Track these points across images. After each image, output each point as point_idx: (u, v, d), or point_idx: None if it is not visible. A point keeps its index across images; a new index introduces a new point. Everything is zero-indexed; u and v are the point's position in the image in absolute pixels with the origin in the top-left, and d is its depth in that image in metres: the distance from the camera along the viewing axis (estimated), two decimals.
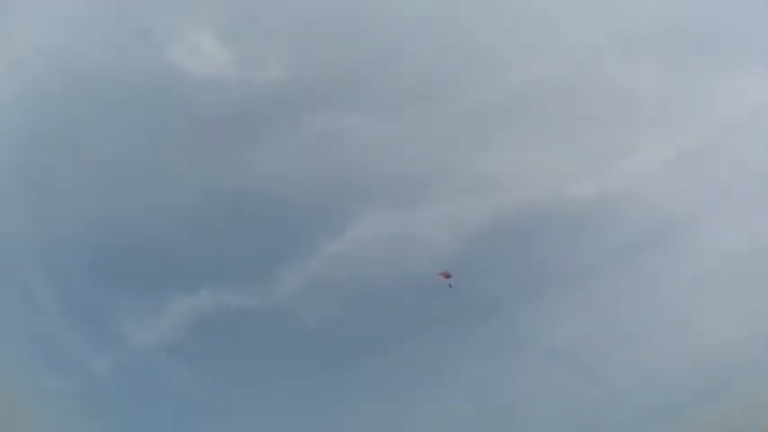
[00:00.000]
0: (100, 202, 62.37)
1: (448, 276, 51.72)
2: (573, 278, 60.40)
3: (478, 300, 60.83)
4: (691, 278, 58.87)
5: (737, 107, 61.86)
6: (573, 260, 61.87)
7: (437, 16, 66.08)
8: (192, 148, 65.18)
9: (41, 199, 60.38)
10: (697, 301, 57.63)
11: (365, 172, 63.04)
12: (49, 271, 59.48)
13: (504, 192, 63.19)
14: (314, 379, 58.50)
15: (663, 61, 62.49)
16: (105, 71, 63.44)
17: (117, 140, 63.74)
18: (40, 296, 58.65)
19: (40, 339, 57.27)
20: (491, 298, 60.91)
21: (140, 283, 62.16)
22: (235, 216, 63.74)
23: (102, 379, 57.85)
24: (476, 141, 63.30)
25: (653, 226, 61.86)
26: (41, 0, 62.50)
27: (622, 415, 54.05)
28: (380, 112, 64.91)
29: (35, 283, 58.23)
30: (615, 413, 54.10)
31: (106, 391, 57.66)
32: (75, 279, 60.73)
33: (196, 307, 60.83)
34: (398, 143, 64.01)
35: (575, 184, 62.87)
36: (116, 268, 62.48)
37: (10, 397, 52.10)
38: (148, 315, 60.55)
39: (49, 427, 53.66)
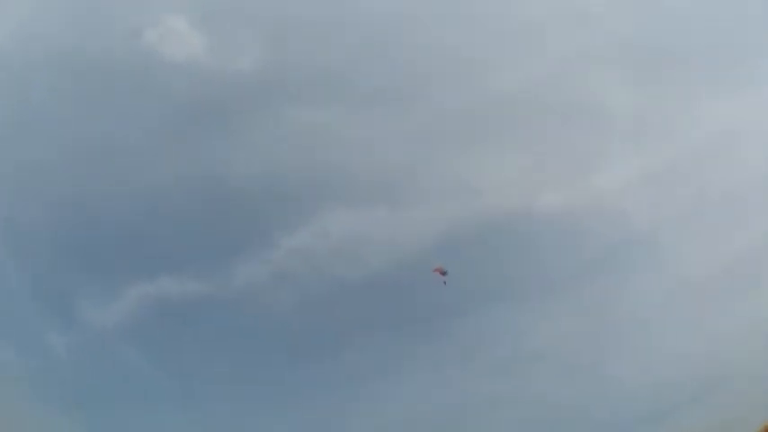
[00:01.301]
0: (64, 183, 62.01)
1: (443, 273, 51.17)
2: (538, 288, 60.90)
3: (440, 304, 60.38)
4: (654, 295, 58.99)
5: (710, 130, 61.72)
6: (539, 270, 62.10)
7: (419, 16, 65.74)
8: (161, 133, 64.31)
9: (4, 178, 60.05)
10: (659, 319, 57.91)
11: (334, 168, 62.88)
12: (11, 248, 59.67)
13: (473, 198, 63.08)
14: (264, 372, 58.71)
15: (638, 78, 62.46)
16: (76, 51, 62.66)
17: (85, 122, 63.15)
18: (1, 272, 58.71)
19: None
20: (454, 303, 60.01)
21: (101, 265, 62.09)
22: (199, 203, 63.48)
23: (58, 357, 57.95)
24: (447, 146, 63.29)
25: (620, 241, 61.80)
26: None
27: (581, 428, 54.61)
28: (354, 109, 64.57)
29: None
30: (573, 426, 54.70)
31: (61, 370, 57.65)
32: (36, 257, 60.60)
33: (155, 292, 60.77)
34: (369, 142, 63.72)
35: (544, 194, 63.00)
36: (78, 249, 62.43)
37: None
38: (108, 297, 60.50)
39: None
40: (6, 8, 60.88)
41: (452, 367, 58.61)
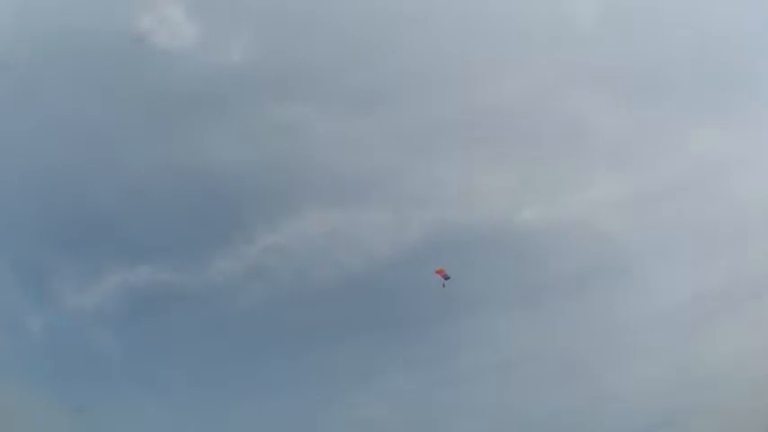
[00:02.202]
0: (49, 164, 62.14)
1: (446, 278, 51.26)
2: (513, 300, 60.94)
3: (415, 309, 61.35)
4: (630, 317, 59.22)
5: (694, 159, 62.20)
6: (516, 282, 62.24)
7: (413, 23, 65.71)
8: (148, 121, 64.77)
9: None
10: (633, 341, 57.90)
11: (317, 166, 63.21)
12: None
13: (454, 206, 63.18)
14: (232, 365, 59.06)
15: (625, 103, 63.61)
16: (68, 32, 62.71)
17: (72, 104, 63.36)
18: None
19: None
20: (429, 308, 60.65)
21: (82, 250, 62.64)
22: (180, 193, 63.82)
23: (34, 336, 58.49)
24: (432, 152, 63.39)
25: (599, 261, 62.31)
26: None
27: None
28: (336, 110, 65.03)
29: None
30: None
31: (36, 348, 58.23)
32: (18, 238, 60.81)
33: (133, 279, 61.51)
34: (355, 142, 64.04)
35: (525, 208, 63.20)
36: (60, 232, 62.62)
37: None
38: (87, 282, 61.12)
39: None
40: None
41: (424, 372, 58.73)
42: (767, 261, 57.09)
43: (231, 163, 63.37)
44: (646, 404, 53.83)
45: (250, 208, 62.82)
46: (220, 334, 60.46)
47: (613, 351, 57.88)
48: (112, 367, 58.65)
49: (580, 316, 59.64)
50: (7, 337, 58.02)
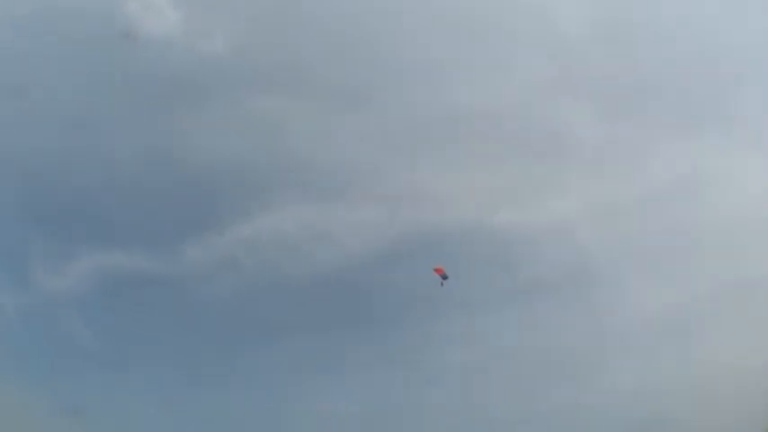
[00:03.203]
0: (26, 146, 61.90)
1: (444, 277, 51.41)
2: (486, 303, 60.66)
3: (386, 307, 61.52)
4: (602, 326, 58.78)
5: (672, 170, 62.29)
6: (489, 285, 61.91)
7: (398, 21, 65.82)
8: (127, 105, 64.65)
9: None
10: (605, 351, 57.60)
11: (293, 161, 62.92)
12: None
13: (430, 206, 63.11)
14: (201, 356, 58.73)
15: (605, 112, 63.71)
16: (52, 13, 62.60)
17: (53, 85, 63.26)
18: None
19: None
20: (400, 307, 61.26)
21: (57, 230, 62.82)
22: (156, 180, 63.71)
23: (6, 317, 58.58)
24: (408, 152, 63.21)
25: (572, 269, 61.86)
26: None
27: None
28: (320, 104, 64.81)
29: None
30: None
31: (8, 329, 58.52)
32: None
33: (107, 263, 61.43)
34: (332, 138, 63.75)
35: (500, 212, 63.08)
36: (35, 211, 62.71)
37: None
38: (60, 263, 61.10)
39: None
40: None
41: (395, 370, 58.74)
42: (743, 274, 56.93)
43: (209, 152, 63.53)
44: (618, 412, 53.57)
45: (225, 199, 63.11)
46: (191, 323, 60.51)
47: (585, 358, 57.56)
48: (84, 351, 58.48)
49: (552, 321, 59.53)
50: None
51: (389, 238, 61.59)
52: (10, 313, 59.53)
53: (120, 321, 60.62)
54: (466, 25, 64.59)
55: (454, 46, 65.05)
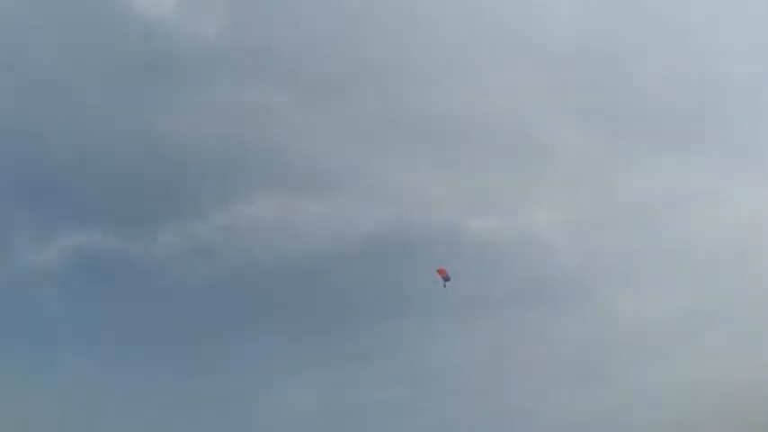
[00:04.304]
0: (8, 119, 62.33)
1: (447, 279, 50.86)
2: (452, 307, 59.00)
3: (355, 304, 61.48)
4: (566, 335, 58.36)
5: (650, 187, 62.15)
6: (457, 290, 61.09)
7: (384, 21, 66.35)
8: (116, 85, 65.07)
9: None
10: (568, 360, 57.26)
11: (269, 151, 63.26)
12: None
13: (404, 207, 63.12)
14: (169, 339, 59.11)
15: (591, 126, 63.78)
16: None
17: (41, 61, 63.48)
18: None
19: None
20: (368, 305, 61.31)
21: (37, 207, 63.29)
22: (137, 161, 64.12)
23: None
24: (387, 150, 63.05)
25: (543, 277, 61.63)
26: None
27: None
28: (300, 97, 65.23)
29: None
30: None
31: None
32: None
33: (85, 242, 62.12)
34: (312, 132, 63.71)
35: (474, 217, 62.77)
36: (17, 186, 63.29)
37: None
38: (39, 239, 61.62)
39: None
40: None
41: (357, 369, 58.08)
42: (719, 292, 56.04)
43: (190, 138, 64.04)
44: (589, 427, 53.41)
45: (202, 185, 63.58)
46: (161, 306, 60.68)
47: (551, 373, 57.09)
48: (57, 327, 59.18)
49: (517, 330, 59.37)
50: None
51: (363, 235, 61.92)
52: None
53: (93, 299, 61.24)
54: (454, 30, 65.48)
55: (441, 50, 65.48)
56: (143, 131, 64.42)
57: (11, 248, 61.17)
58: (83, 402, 54.87)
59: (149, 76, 65.32)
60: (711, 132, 63.03)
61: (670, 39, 65.25)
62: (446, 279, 51.04)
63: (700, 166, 61.96)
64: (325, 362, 58.10)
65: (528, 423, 54.26)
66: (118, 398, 55.80)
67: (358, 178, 63.79)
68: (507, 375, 56.92)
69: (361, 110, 64.20)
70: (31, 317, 59.87)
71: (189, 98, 64.77)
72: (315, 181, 63.69)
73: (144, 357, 58.73)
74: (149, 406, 55.69)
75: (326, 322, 60.57)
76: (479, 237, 61.29)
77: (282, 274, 61.28)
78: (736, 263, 57.33)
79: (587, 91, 64.35)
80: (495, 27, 64.98)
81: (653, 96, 64.94)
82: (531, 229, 61.70)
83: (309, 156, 62.95)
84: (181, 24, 64.77)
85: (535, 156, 63.94)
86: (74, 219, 63.04)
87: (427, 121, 63.01)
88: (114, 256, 61.52)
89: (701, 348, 54.51)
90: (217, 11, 65.15)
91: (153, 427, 54.57)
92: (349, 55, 64.41)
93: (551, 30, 65.71)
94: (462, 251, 61.22)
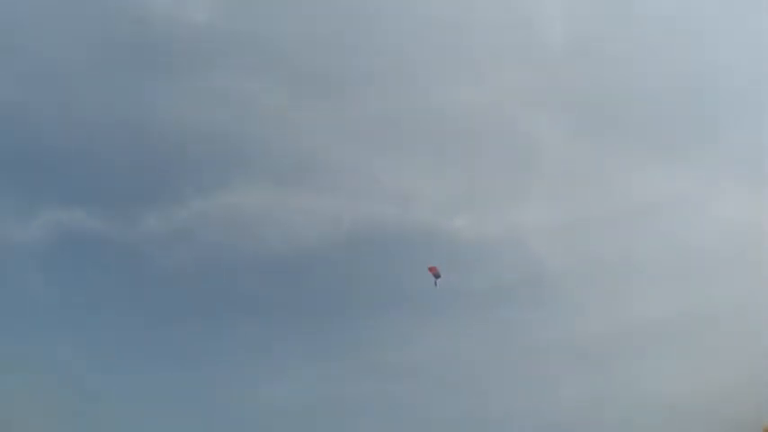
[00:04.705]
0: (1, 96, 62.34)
1: (437, 276, 51.50)
2: (432, 305, 59.07)
3: (335, 298, 61.42)
4: (540, 339, 58.41)
5: (637, 195, 61.53)
6: (435, 287, 61.22)
7: (377, 19, 65.55)
8: (103, 66, 64.47)
9: None
10: (540, 363, 57.30)
11: (254, 141, 63.15)
12: None
13: (387, 203, 63.05)
14: (148, 324, 58.85)
15: (580, 131, 63.04)
16: None
17: (29, 40, 63.16)
18: None
19: None
20: (342, 301, 61.30)
21: (21, 183, 62.96)
22: (122, 143, 63.92)
23: None
24: (372, 147, 63.16)
25: (525, 279, 61.29)
26: None
27: None
28: (288, 89, 64.89)
29: None
30: None
31: None
32: None
33: (67, 221, 61.74)
34: (298, 124, 63.62)
35: (459, 216, 62.68)
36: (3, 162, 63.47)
37: None
38: (23, 217, 61.46)
39: None
40: None
41: (332, 363, 58.57)
42: (696, 302, 55.90)
43: (176, 123, 63.51)
44: (564, 426, 53.22)
45: (186, 171, 63.16)
46: (140, 290, 60.62)
47: (520, 371, 57.48)
48: (37, 305, 59.10)
49: (494, 331, 59.25)
50: None
51: (345, 230, 61.88)
52: None
53: (73, 278, 61.14)
54: (446, 29, 64.87)
55: (434, 50, 65.03)
56: (129, 115, 64.26)
57: None
58: (56, 383, 55.05)
59: (141, 60, 64.94)
60: (705, 138, 62.74)
61: (666, 42, 64.87)
62: (437, 276, 51.54)
63: (691, 171, 61.87)
64: (308, 355, 58.52)
65: (506, 419, 54.47)
66: (94, 381, 55.77)
67: (344, 173, 63.93)
68: (488, 372, 57.17)
69: (353, 106, 64.35)
70: (14, 295, 59.57)
71: (176, 84, 64.58)
72: (301, 174, 63.87)
73: (119, 338, 58.66)
74: (120, 388, 56.16)
75: (308, 316, 60.68)
76: (464, 234, 61.49)
77: (261, 265, 61.32)
78: (721, 271, 56.85)
79: (580, 93, 64.39)
80: (492, 26, 64.80)
81: (647, 100, 64.64)
82: (517, 229, 61.76)
83: (295, 148, 63.15)
84: (171, 9, 64.65)
85: (524, 156, 64.08)
86: (57, 197, 62.81)
87: (418, 119, 63.17)
88: (96, 235, 61.44)
89: (680, 353, 54.73)
90: None
91: (121, 408, 54.72)
92: (344, 50, 64.25)
93: (547, 31, 65.52)
94: (446, 248, 61.02)
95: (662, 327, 55.79)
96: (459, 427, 54.77)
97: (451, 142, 63.96)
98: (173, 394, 56.30)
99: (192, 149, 63.02)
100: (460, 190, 62.94)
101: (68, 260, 62.02)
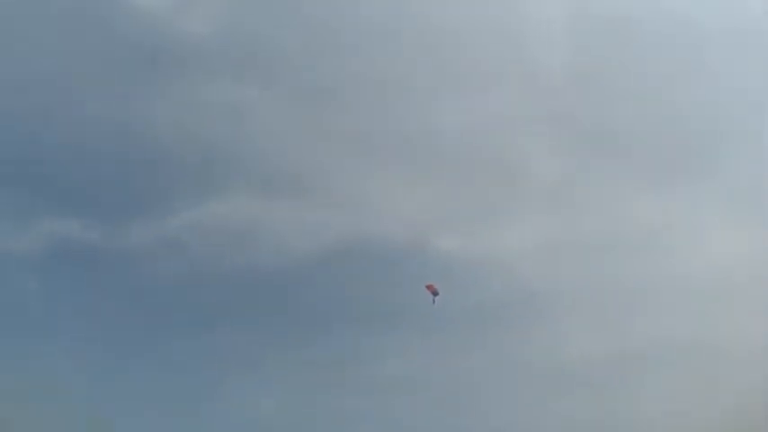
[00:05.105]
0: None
1: (435, 293, 51.55)
2: (417, 322, 59.32)
3: (319, 311, 61.52)
4: (521, 362, 58.53)
5: (626, 220, 61.59)
6: (421, 305, 60.86)
7: (377, 33, 66.09)
8: (102, 73, 64.91)
9: None
10: (519, 386, 57.58)
11: (246, 152, 63.48)
12: None
13: (372, 219, 63.10)
14: (137, 336, 59.58)
15: (572, 155, 63.43)
16: None
17: (30, 47, 63.75)
18: None
19: None
20: (326, 314, 61.46)
21: (16, 191, 63.33)
22: (118, 153, 64.40)
23: None
24: (364, 161, 63.31)
25: (510, 300, 61.11)
26: None
27: None
28: (285, 100, 65.26)
29: None
30: None
31: None
32: None
33: (61, 230, 62.32)
34: (291, 135, 64.13)
35: (442, 236, 63.03)
36: None
37: None
38: (18, 225, 61.89)
39: None
40: None
41: (314, 375, 58.56)
42: (681, 331, 56.09)
43: (170, 131, 64.23)
44: None
45: (178, 180, 63.84)
46: (129, 301, 60.88)
47: (502, 392, 57.58)
48: (31, 313, 59.89)
49: (480, 351, 59.28)
50: None
51: (333, 243, 62.10)
52: None
53: (67, 288, 61.69)
54: (445, 48, 65.53)
55: (431, 66, 65.58)
56: (123, 123, 64.53)
57: None
58: (47, 389, 54.83)
59: (137, 69, 65.54)
60: (701, 170, 62.64)
61: (667, 75, 65.27)
62: (435, 294, 51.47)
63: (685, 202, 61.86)
64: (286, 367, 58.55)
65: None
66: (84, 388, 56.25)
67: (335, 187, 64.27)
68: (468, 391, 57.14)
69: (345, 120, 64.71)
70: (8, 303, 59.87)
71: (172, 92, 65.26)
72: (290, 185, 64.31)
73: (105, 348, 58.95)
74: (110, 397, 56.29)
75: (296, 328, 60.85)
76: (446, 254, 61.67)
77: (249, 277, 61.69)
78: (700, 303, 57.00)
79: (576, 121, 64.53)
80: (491, 49, 65.44)
81: (640, 130, 64.89)
82: (499, 251, 61.60)
83: (287, 160, 63.48)
84: (171, 17, 65.56)
85: (510, 180, 64.25)
86: (48, 205, 63.43)
87: (408, 137, 63.57)
88: (90, 246, 62.19)
89: (666, 381, 54.48)
90: (210, 7, 65.64)
91: (111, 417, 54.71)
92: (339, 65, 65.06)
93: (547, 57, 65.87)
94: (428, 267, 60.79)
95: (647, 354, 55.60)
96: None
97: (443, 161, 64.57)
98: (160, 402, 56.54)
99: (184, 159, 63.78)
100: (450, 209, 63.32)
101: (62, 270, 62.46)
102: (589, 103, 64.83)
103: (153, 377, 57.90)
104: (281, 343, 60.13)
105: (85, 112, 64.59)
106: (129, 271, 61.78)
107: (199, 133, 64.26)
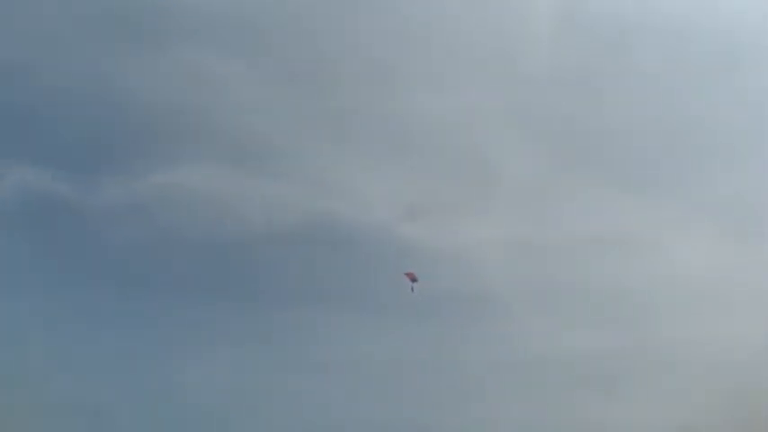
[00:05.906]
0: None
1: (414, 280, 51.12)
2: (368, 306, 59.93)
3: (273, 290, 60.96)
4: (480, 359, 57.15)
5: (597, 224, 61.12)
6: (376, 290, 60.48)
7: (366, 12, 66.64)
8: (84, 33, 65.72)
9: None
10: (472, 382, 56.28)
11: (219, 121, 63.28)
12: None
13: (339, 201, 62.72)
14: (92, 294, 58.65)
15: (549, 156, 63.27)
16: None
17: (15, 6, 64.46)
18: None
19: None
20: (285, 294, 60.61)
21: None
22: (90, 110, 64.69)
23: None
24: (335, 141, 62.90)
25: (465, 294, 60.17)
26: None
27: None
28: (260, 72, 65.34)
29: None
30: None
31: None
32: None
33: (32, 180, 62.47)
34: (263, 108, 64.10)
35: (407, 223, 62.46)
36: None
37: None
38: None
39: None
40: None
41: (267, 353, 57.70)
42: (637, 339, 55.16)
43: (143, 94, 64.33)
44: None
45: (152, 143, 63.68)
46: (93, 258, 61.39)
47: (449, 384, 56.41)
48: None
49: (432, 341, 58.35)
50: None
51: (296, 221, 61.93)
52: None
53: (38, 242, 61.74)
54: (429, 40, 65.95)
55: (412, 56, 65.91)
56: (96, 82, 65.17)
57: None
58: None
59: (117, 30, 66.00)
60: (671, 179, 62.84)
61: (652, 84, 65.25)
62: (413, 281, 50.78)
63: (650, 210, 61.17)
64: (239, 341, 57.59)
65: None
66: (36, 342, 55.10)
67: (304, 165, 64.02)
68: (409, 379, 56.04)
69: (325, 102, 64.94)
70: None
71: (149, 56, 65.59)
72: (262, 161, 64.19)
73: (63, 306, 58.42)
74: (63, 353, 55.51)
75: (244, 302, 60.12)
76: (410, 242, 61.11)
77: (210, 245, 61.56)
78: (662, 311, 56.26)
79: (555, 123, 64.80)
80: (470, 45, 65.60)
81: (617, 133, 65.00)
82: (463, 245, 60.92)
83: (256, 132, 63.38)
84: None
85: (483, 175, 64.00)
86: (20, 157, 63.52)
87: (386, 123, 63.66)
88: (60, 199, 62.31)
89: (620, 388, 53.67)
90: None
91: (65, 375, 54.19)
92: (322, 45, 65.27)
93: (531, 59, 65.84)
94: (391, 253, 60.70)
95: (601, 359, 54.34)
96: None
97: (418, 150, 64.44)
98: (108, 361, 55.88)
99: (160, 124, 63.81)
100: (419, 198, 63.06)
101: (36, 223, 62.50)
102: (569, 103, 65.09)
103: (105, 336, 57.15)
104: (223, 315, 59.04)
105: (68, 68, 65.37)
106: (95, 228, 62.27)
107: (178, 101, 64.53)
